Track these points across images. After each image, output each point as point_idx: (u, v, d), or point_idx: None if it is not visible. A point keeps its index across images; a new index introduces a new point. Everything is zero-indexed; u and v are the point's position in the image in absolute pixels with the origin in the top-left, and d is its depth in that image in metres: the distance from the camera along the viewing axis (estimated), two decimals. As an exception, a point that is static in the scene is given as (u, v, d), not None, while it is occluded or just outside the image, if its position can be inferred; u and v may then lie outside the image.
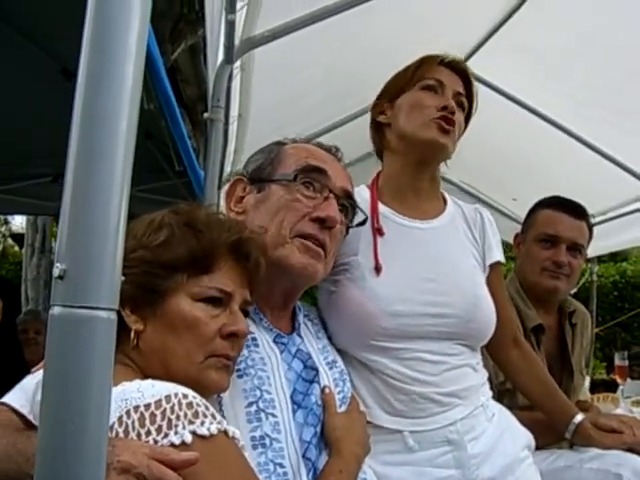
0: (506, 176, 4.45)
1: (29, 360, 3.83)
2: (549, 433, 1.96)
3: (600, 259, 7.60)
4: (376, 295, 1.60)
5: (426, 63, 1.79)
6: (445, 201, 1.86)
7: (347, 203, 1.58)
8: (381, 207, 1.74)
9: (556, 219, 2.54)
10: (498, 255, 1.84)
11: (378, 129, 1.84)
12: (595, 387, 4.46)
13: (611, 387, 3.91)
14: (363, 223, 1.64)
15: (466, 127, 1.84)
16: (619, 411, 3.03)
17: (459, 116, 1.75)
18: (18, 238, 13.17)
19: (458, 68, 1.81)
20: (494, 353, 1.94)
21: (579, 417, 1.99)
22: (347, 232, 1.62)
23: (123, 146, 0.71)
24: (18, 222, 14.19)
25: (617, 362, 3.71)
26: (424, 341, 1.62)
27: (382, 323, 1.59)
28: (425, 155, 1.75)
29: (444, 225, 1.78)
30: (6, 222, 14.61)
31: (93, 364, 0.70)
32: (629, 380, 3.78)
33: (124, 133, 0.71)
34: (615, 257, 11.68)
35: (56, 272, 0.69)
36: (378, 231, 1.69)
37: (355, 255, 1.66)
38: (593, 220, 4.09)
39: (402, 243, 1.71)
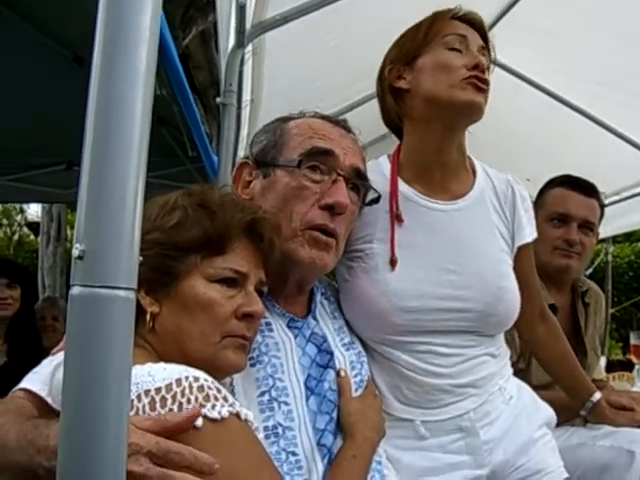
0: (519, 156, 4.43)
1: (47, 347, 3.87)
2: (563, 412, 1.95)
3: (615, 239, 7.56)
4: (389, 290, 1.54)
5: (439, 19, 1.62)
6: (474, 172, 1.71)
7: (358, 182, 1.50)
8: (402, 186, 1.63)
9: (567, 197, 2.53)
10: (529, 235, 1.73)
11: (396, 96, 1.65)
12: (611, 367, 4.44)
13: (627, 367, 3.89)
14: (376, 201, 1.56)
15: None
16: (635, 389, 3.03)
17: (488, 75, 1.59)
18: (34, 227, 13.23)
19: (474, 21, 1.63)
20: (520, 328, 1.88)
21: (597, 395, 2.00)
22: (361, 209, 1.56)
23: (139, 127, 0.72)
24: (33, 211, 14.27)
25: (633, 341, 3.70)
26: (439, 335, 1.57)
27: (395, 320, 1.54)
28: (457, 118, 1.59)
29: (471, 204, 1.66)
30: (21, 211, 14.69)
31: (113, 343, 0.71)
32: (645, 359, 3.78)
33: (139, 115, 0.72)
34: (630, 237, 11.61)
35: (75, 253, 0.70)
36: (397, 218, 1.60)
37: (370, 242, 1.60)
38: (608, 200, 4.10)
39: (422, 229, 1.61)
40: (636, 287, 10.81)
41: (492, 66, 1.67)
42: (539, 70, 3.52)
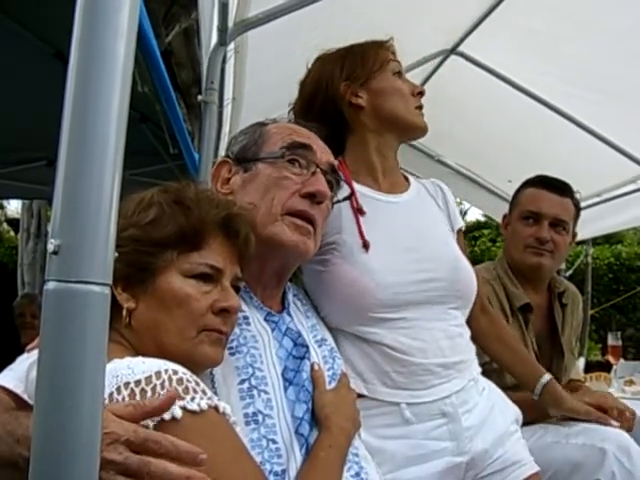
0: (501, 158, 4.46)
1: (25, 343, 3.84)
2: (529, 411, 1.98)
3: (595, 241, 7.62)
4: (369, 269, 1.63)
5: (382, 49, 1.88)
6: (406, 177, 1.94)
7: (332, 178, 1.60)
8: (356, 186, 1.77)
9: (538, 196, 2.58)
10: (461, 221, 1.95)
11: (351, 110, 1.84)
12: (590, 368, 4.48)
13: (606, 368, 3.93)
14: (349, 197, 1.69)
15: None
16: (612, 390, 3.06)
17: None
18: (14, 223, 13.12)
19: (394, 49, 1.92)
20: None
21: (546, 377, 2.02)
22: (332, 206, 1.64)
23: (115, 123, 0.72)
24: (13, 207, 14.16)
25: (610, 342, 3.72)
26: (418, 308, 1.66)
27: (377, 295, 1.61)
28: (408, 136, 1.92)
29: (413, 197, 1.86)
30: (1, 207, 14.55)
31: (87, 338, 0.71)
32: (622, 360, 3.81)
33: (116, 111, 0.72)
34: (610, 239, 11.71)
35: (50, 248, 0.70)
36: (359, 211, 1.72)
37: (339, 233, 1.68)
38: (588, 202, 4.14)
39: (381, 218, 1.75)
40: (615, 289, 10.88)
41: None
42: (522, 72, 3.54)
